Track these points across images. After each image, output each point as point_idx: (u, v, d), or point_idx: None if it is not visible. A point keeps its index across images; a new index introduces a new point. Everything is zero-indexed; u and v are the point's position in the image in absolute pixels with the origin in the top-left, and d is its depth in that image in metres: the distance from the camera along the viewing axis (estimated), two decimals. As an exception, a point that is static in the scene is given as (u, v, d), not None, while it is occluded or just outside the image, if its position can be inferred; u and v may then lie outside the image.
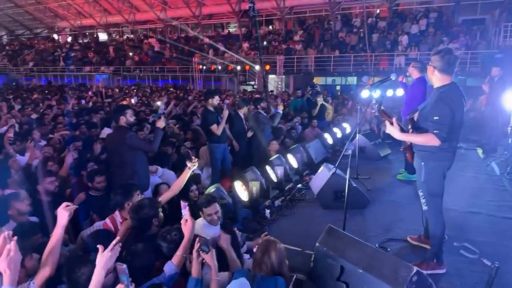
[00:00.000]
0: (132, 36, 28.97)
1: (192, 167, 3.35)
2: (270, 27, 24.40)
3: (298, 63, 18.57)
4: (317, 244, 2.93)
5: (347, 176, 3.59)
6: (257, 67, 16.37)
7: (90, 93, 16.31)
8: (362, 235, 3.88)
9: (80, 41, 31.44)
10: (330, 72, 18.15)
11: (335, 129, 8.14)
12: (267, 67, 18.45)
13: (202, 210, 3.19)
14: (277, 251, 2.44)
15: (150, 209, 2.91)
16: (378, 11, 20.01)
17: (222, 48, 20.02)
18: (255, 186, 4.36)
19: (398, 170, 6.15)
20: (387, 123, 3.12)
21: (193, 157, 3.41)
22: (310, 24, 21.78)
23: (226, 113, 5.46)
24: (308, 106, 9.60)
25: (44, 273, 2.18)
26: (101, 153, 5.11)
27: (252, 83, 20.03)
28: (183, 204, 2.52)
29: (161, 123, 4.06)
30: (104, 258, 1.97)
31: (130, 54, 25.53)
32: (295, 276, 3.03)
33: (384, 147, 7.24)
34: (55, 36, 33.53)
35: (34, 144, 4.99)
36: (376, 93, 4.64)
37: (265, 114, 6.34)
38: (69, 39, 33.11)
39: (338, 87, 18.79)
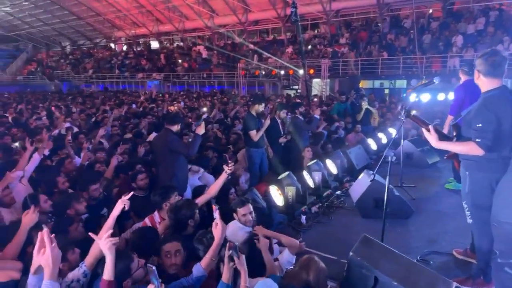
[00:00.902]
0: (181, 43, 30.21)
1: (228, 171, 3.43)
2: (316, 31, 24.18)
3: (344, 67, 18.18)
4: (351, 253, 2.84)
5: (386, 184, 3.45)
6: (301, 72, 16.28)
7: (141, 98, 17.27)
8: (403, 247, 3.71)
9: (134, 50, 33.39)
10: (378, 75, 17.55)
11: (380, 135, 7.85)
12: (311, 71, 18.26)
13: (236, 211, 3.26)
14: (316, 270, 2.39)
15: (188, 210, 3.03)
16: (430, 11, 19.02)
17: (266, 53, 20.18)
18: (290, 191, 4.34)
19: (447, 178, 5.79)
20: (424, 130, 2.95)
21: (229, 161, 3.49)
22: (357, 26, 21.27)
23: (267, 122, 5.51)
24: (352, 110, 9.36)
25: (94, 255, 2.36)
26: (146, 155, 5.38)
27: (296, 87, 19.94)
28: (214, 207, 2.58)
29: (200, 130, 4.20)
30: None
31: (180, 61, 26.63)
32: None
33: (433, 154, 6.83)
34: (112, 45, 35.97)
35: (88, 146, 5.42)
36: (412, 97, 4.43)
37: (302, 119, 6.29)
38: (124, 47, 35.31)
39: (386, 91, 18.12)
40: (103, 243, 2.08)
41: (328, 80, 18.68)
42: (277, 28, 25.27)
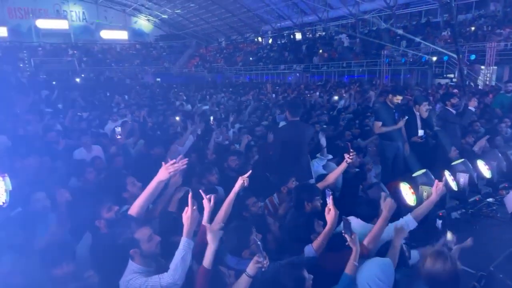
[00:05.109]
0: (323, 33, 30.09)
1: (349, 160, 3.31)
2: (483, 10, 20.47)
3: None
4: (491, 268, 2.39)
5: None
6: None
7: (278, 88, 18.16)
8: None
9: (278, 42, 35.00)
10: None
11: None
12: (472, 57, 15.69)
13: None
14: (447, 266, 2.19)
15: (307, 193, 3.16)
16: None
17: (416, 39, 18.19)
18: (426, 191, 3.84)
19: None
20: None
21: (351, 150, 3.36)
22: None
23: (401, 123, 5.05)
24: (523, 103, 7.65)
25: (218, 221, 2.64)
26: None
27: (451, 75, 17.42)
28: (327, 193, 2.58)
29: None
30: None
31: (320, 51, 26.60)
32: None
33: None
34: (259, 39, 38.55)
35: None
36: None
37: (454, 112, 5.46)
38: (270, 40, 37.38)
39: None
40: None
41: (495, 67, 15.68)
42: (431, 10, 22.47)
